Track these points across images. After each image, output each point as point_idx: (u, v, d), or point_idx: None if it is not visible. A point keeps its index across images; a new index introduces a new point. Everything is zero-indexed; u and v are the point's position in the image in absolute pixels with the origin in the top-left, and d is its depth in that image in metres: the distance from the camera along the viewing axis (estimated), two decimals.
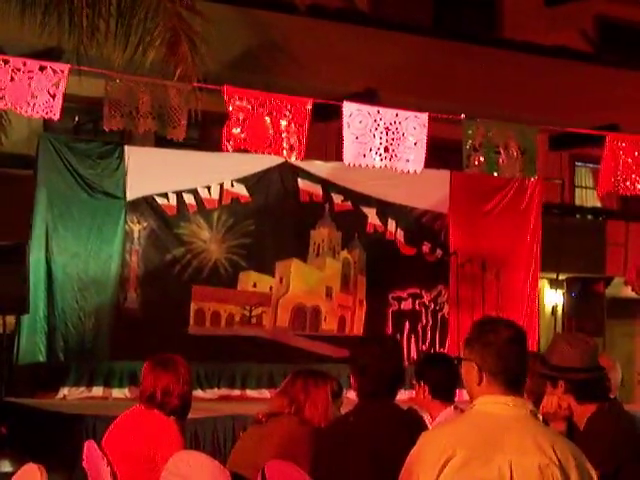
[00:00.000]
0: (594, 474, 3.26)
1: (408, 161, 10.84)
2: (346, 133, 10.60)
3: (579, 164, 19.77)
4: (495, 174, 11.49)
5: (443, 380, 5.59)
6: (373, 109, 10.88)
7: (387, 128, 10.67)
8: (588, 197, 19.89)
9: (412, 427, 3.95)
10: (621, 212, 19.12)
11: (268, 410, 5.36)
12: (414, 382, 5.74)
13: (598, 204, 19.48)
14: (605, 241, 17.33)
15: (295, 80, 14.83)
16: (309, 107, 10.53)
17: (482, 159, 11.20)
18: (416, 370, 5.78)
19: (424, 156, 10.89)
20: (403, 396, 5.43)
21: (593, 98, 17.46)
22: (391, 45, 16.08)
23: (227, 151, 10.34)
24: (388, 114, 10.80)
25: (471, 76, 16.51)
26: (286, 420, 5.14)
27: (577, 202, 19.70)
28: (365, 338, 5.26)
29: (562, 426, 4.39)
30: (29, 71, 9.03)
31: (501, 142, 11.28)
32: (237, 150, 10.43)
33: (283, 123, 10.33)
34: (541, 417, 3.43)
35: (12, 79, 8.97)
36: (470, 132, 11.17)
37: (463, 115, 11.36)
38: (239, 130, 10.12)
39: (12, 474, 4.79)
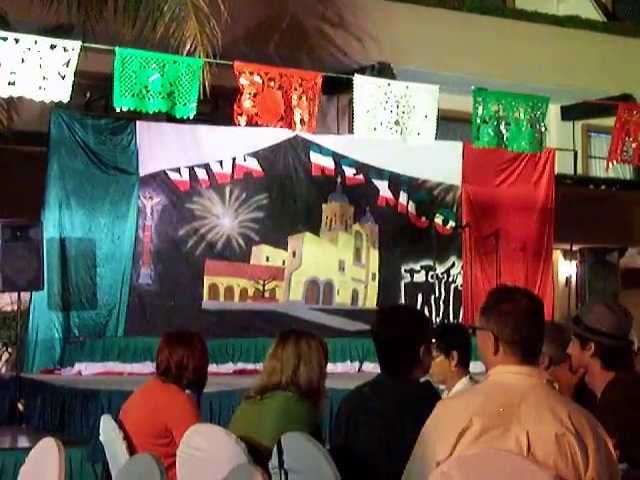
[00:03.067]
0: (610, 443, 3.26)
1: (419, 134, 10.82)
2: (357, 106, 10.58)
3: (592, 134, 19.69)
4: (502, 147, 11.43)
5: (470, 349, 5.66)
6: (384, 82, 10.85)
7: (397, 101, 10.65)
8: (602, 167, 19.81)
9: (427, 400, 3.94)
10: (635, 182, 19.07)
11: (262, 383, 5.14)
12: (434, 353, 5.75)
13: (612, 174, 19.41)
14: (619, 211, 17.26)
15: (306, 54, 14.80)
16: (319, 80, 10.51)
17: (491, 132, 11.15)
18: (443, 341, 5.78)
19: (434, 129, 10.86)
20: None
21: (606, 68, 17.38)
22: (402, 17, 16.02)
23: (239, 125, 10.33)
24: (399, 87, 10.77)
25: (484, 47, 16.44)
26: (282, 397, 5.01)
27: (591, 172, 19.64)
28: (388, 309, 5.22)
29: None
30: (39, 51, 8.99)
31: (511, 114, 11.22)
32: (249, 124, 10.42)
33: (294, 97, 10.31)
34: (557, 386, 3.43)
35: (23, 60, 8.95)
36: (479, 104, 11.12)
37: (473, 87, 11.31)
38: (250, 104, 10.10)
39: (29, 449, 4.81)
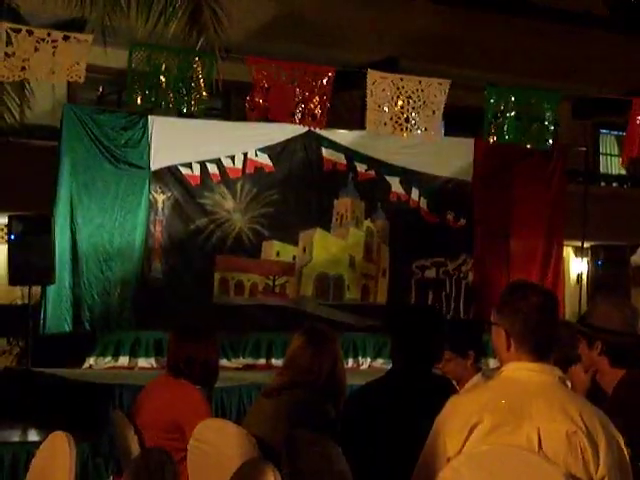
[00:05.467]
0: (621, 441, 3.27)
1: (426, 129, 10.80)
2: (369, 101, 10.58)
3: (603, 132, 19.66)
4: (514, 143, 11.40)
5: (481, 347, 5.66)
6: (396, 77, 10.84)
7: (409, 97, 10.64)
8: (612, 165, 19.79)
9: (442, 394, 3.95)
10: None
11: (282, 378, 5.18)
12: (449, 354, 5.76)
13: (623, 172, 19.38)
14: (630, 209, 17.22)
15: (318, 49, 14.79)
16: (332, 75, 10.50)
17: (502, 128, 11.13)
18: (460, 341, 5.78)
19: (442, 125, 10.85)
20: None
21: (617, 65, 17.34)
22: (413, 13, 16.01)
23: (251, 120, 10.33)
24: (411, 82, 10.76)
25: (493, 44, 16.42)
26: (301, 394, 5.01)
27: (601, 170, 19.61)
28: (407, 307, 5.28)
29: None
30: (53, 41, 9.02)
31: (522, 110, 11.20)
32: (261, 119, 10.42)
33: (306, 92, 10.30)
34: (569, 384, 3.44)
35: (36, 49, 8.97)
36: (492, 100, 11.10)
37: (485, 83, 11.30)
38: (262, 99, 10.11)
39: (39, 443, 4.83)
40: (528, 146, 11.55)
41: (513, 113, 11.14)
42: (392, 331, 4.77)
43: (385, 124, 10.60)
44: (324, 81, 10.44)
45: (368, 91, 10.55)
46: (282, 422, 4.83)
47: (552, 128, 11.41)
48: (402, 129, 10.64)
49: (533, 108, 11.21)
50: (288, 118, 10.38)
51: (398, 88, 10.63)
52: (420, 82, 10.77)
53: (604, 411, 3.34)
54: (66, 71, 9.13)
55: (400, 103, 10.58)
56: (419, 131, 10.73)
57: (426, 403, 4.13)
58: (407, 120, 10.62)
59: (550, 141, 11.51)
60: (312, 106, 10.36)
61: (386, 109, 10.54)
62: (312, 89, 10.37)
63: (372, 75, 10.68)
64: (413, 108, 10.63)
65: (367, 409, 4.55)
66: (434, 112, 10.77)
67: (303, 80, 10.34)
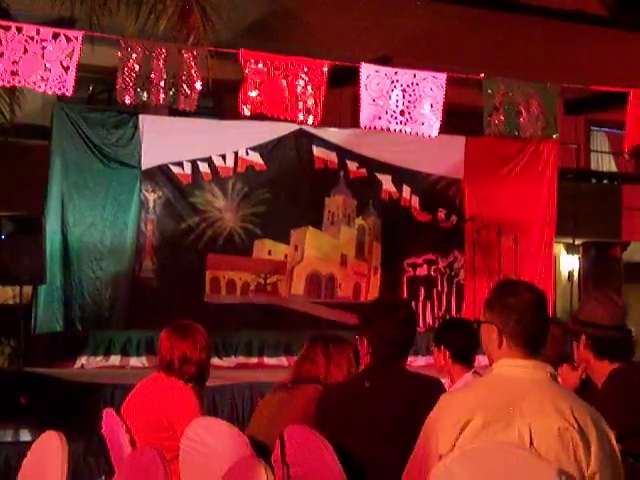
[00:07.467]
0: (612, 437, 3.27)
1: (423, 124, 10.76)
2: (363, 95, 10.52)
3: (594, 129, 19.66)
4: (516, 133, 11.35)
5: (464, 345, 5.61)
6: (391, 71, 10.77)
7: (404, 90, 10.59)
8: (604, 162, 19.80)
9: (431, 391, 3.95)
10: (637, 176, 19.03)
11: (293, 377, 5.29)
12: (432, 347, 5.76)
13: (614, 169, 19.39)
14: (621, 206, 17.24)
15: (310, 48, 14.75)
16: (325, 69, 10.45)
17: (502, 119, 11.08)
18: (436, 335, 5.78)
19: (440, 119, 10.80)
20: (420, 362, 5.42)
21: (609, 62, 17.34)
22: (406, 12, 15.99)
23: (244, 115, 10.27)
24: (406, 76, 10.69)
25: (487, 42, 16.41)
26: (311, 388, 5.08)
27: (593, 167, 19.62)
28: (380, 302, 5.27)
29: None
30: (42, 40, 8.97)
31: (522, 101, 11.14)
32: (253, 116, 10.39)
33: (300, 86, 10.26)
34: (560, 380, 3.44)
35: (25, 50, 8.92)
36: (490, 92, 11.03)
37: (483, 74, 11.25)
38: (256, 94, 10.06)
39: (31, 443, 4.81)
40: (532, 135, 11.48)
41: (513, 104, 11.08)
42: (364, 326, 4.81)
43: (380, 118, 10.55)
44: (318, 75, 10.39)
45: (362, 85, 10.49)
46: (295, 413, 4.88)
47: (555, 117, 11.35)
48: (397, 123, 10.59)
49: (533, 99, 11.16)
50: (281, 113, 10.33)
51: (392, 82, 10.57)
52: (415, 75, 10.71)
53: (595, 404, 3.34)
54: (55, 81, 9.08)
55: (395, 96, 10.53)
56: (416, 125, 10.68)
57: (418, 400, 4.13)
58: (402, 114, 10.57)
59: (555, 129, 11.44)
60: (306, 101, 10.32)
61: (381, 102, 10.49)
62: (306, 83, 10.33)
63: (366, 68, 10.62)
64: (409, 102, 10.58)
65: (342, 405, 4.57)
66: (432, 106, 10.73)
67: (297, 74, 10.29)
